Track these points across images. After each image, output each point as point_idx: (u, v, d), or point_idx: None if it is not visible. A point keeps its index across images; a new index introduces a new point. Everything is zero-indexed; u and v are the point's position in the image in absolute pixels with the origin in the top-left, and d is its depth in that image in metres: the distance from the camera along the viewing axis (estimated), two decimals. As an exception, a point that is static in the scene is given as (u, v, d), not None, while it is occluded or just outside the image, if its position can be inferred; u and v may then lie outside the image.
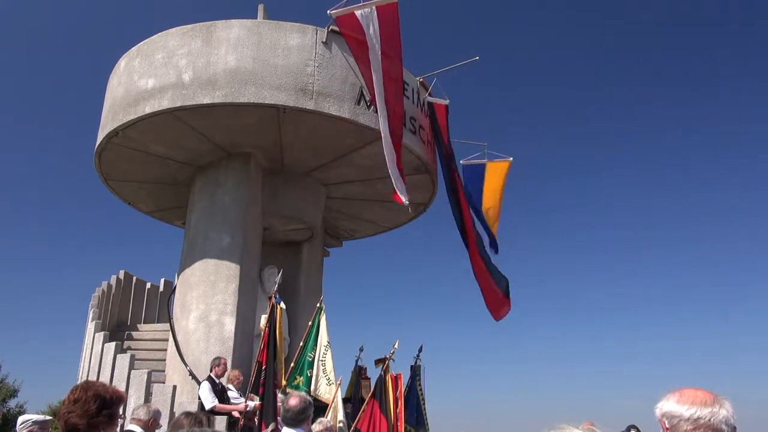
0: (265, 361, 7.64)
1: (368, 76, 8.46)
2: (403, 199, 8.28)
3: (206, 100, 8.49)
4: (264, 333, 8.10)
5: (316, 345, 8.29)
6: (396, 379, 8.87)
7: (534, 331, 52.02)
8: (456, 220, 10.33)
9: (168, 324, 9.94)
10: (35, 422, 4.22)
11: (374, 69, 8.35)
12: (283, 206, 10.41)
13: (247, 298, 9.32)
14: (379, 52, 8.31)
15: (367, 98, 9.00)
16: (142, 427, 4.32)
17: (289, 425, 4.10)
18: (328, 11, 8.44)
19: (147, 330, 11.81)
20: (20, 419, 4.30)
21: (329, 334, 8.37)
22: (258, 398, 7.49)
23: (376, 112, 8.69)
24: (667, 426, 1.88)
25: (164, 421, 6.83)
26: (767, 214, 46.24)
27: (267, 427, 6.82)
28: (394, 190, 8.31)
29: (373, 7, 8.38)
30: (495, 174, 11.79)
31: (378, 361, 9.11)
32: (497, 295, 10.60)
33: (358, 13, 8.30)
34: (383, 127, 8.32)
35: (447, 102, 10.42)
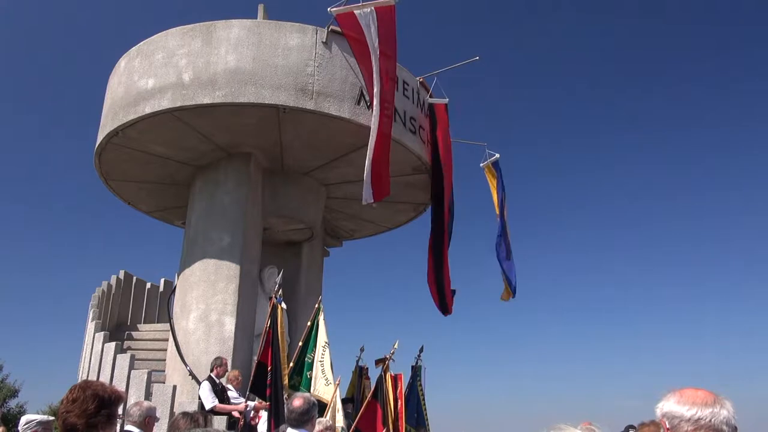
0: (271, 362, 7.62)
1: (367, 75, 8.52)
2: (364, 199, 8.42)
3: (206, 100, 8.49)
4: (267, 334, 8.08)
5: (315, 346, 8.27)
6: (396, 379, 8.85)
7: (533, 331, 52.04)
8: (436, 221, 10.31)
9: (168, 324, 9.93)
10: (39, 423, 4.19)
11: (372, 68, 8.41)
12: (283, 206, 10.40)
13: (247, 298, 9.31)
14: (378, 51, 8.36)
15: (367, 98, 9.01)
16: (138, 427, 4.29)
17: (293, 426, 4.10)
18: (328, 9, 8.46)
19: (147, 330, 11.80)
20: (23, 419, 4.27)
21: (328, 335, 8.36)
22: (265, 399, 7.47)
23: (371, 108, 8.71)
24: (667, 426, 1.88)
25: (164, 422, 6.84)
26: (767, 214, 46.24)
27: (277, 428, 6.80)
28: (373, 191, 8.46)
29: (372, 8, 8.42)
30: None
31: (378, 361, 9.10)
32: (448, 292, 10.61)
33: (357, 12, 8.36)
34: (374, 123, 8.41)
35: (446, 101, 10.42)
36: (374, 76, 8.43)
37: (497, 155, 11.85)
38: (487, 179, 11.88)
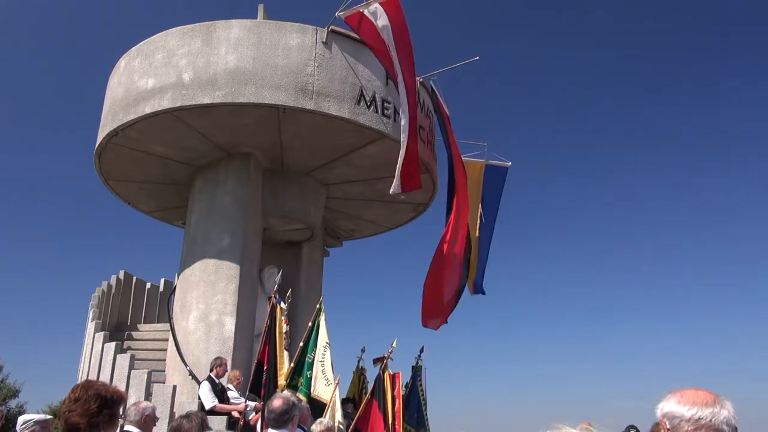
0: (267, 362, 7.61)
1: (391, 72, 8.46)
2: (393, 189, 8.34)
3: (206, 100, 8.50)
4: (266, 334, 8.09)
5: (315, 346, 8.28)
6: (394, 378, 8.85)
7: (533, 331, 52.09)
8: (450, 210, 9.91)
9: (168, 324, 9.94)
10: (36, 422, 4.19)
11: (394, 64, 8.38)
12: (283, 206, 10.40)
13: (247, 298, 9.32)
14: (395, 45, 8.31)
15: (367, 98, 9.01)
16: (138, 427, 4.29)
17: (272, 426, 4.08)
18: (336, 13, 8.42)
19: (147, 330, 11.80)
20: (21, 419, 4.26)
21: (329, 335, 8.36)
22: (260, 399, 7.48)
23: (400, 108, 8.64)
24: (668, 426, 1.88)
25: (164, 422, 6.84)
26: (767, 213, 46.29)
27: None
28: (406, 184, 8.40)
29: (378, 4, 8.39)
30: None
31: (376, 360, 9.10)
32: (442, 303, 9.87)
33: (364, 11, 8.31)
34: (404, 119, 8.33)
35: (508, 164, 10.67)
36: (397, 71, 8.33)
37: (509, 163, 11.46)
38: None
